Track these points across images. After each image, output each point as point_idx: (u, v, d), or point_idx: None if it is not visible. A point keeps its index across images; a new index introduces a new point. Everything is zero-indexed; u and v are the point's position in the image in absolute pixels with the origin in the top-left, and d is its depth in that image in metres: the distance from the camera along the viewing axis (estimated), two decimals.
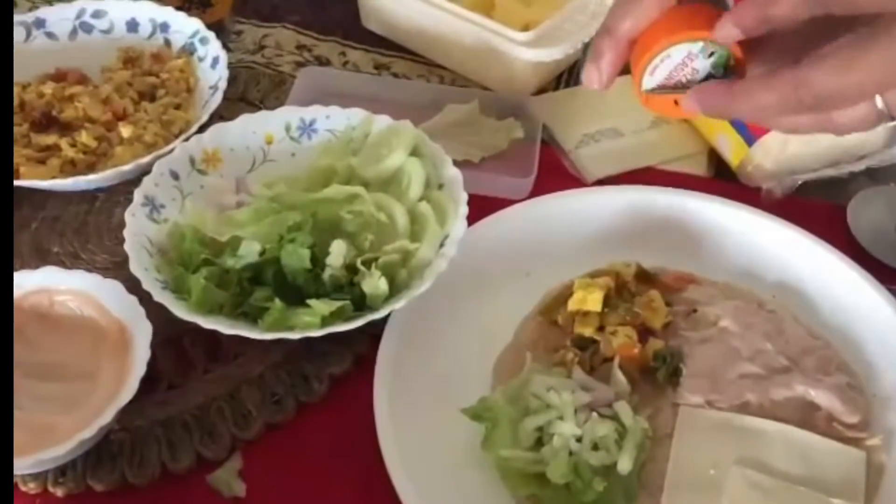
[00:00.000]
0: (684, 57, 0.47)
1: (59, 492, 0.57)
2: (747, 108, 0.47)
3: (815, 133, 0.48)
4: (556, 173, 0.78)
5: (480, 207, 0.69)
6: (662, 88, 0.49)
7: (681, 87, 0.48)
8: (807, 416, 0.60)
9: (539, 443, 0.57)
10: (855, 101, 0.45)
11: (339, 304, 0.59)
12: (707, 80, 0.48)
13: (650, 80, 0.48)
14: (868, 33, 0.43)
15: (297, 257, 0.61)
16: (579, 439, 0.56)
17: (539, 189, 0.75)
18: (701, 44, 0.47)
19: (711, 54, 0.47)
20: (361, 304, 0.61)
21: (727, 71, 0.48)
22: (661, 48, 0.47)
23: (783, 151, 0.74)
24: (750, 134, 0.75)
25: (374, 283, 0.60)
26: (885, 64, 0.43)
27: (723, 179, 0.79)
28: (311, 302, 0.59)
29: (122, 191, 0.72)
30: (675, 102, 0.49)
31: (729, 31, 0.45)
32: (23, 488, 0.57)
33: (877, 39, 0.43)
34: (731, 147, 0.77)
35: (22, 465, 0.54)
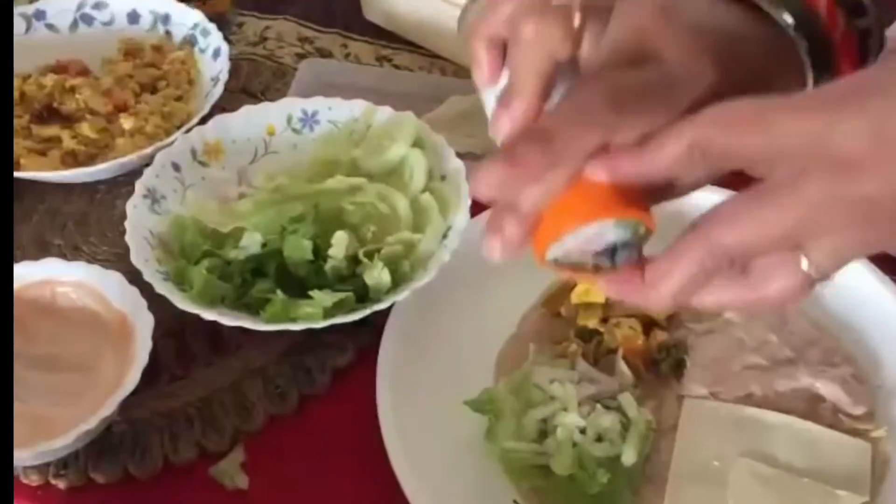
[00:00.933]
0: (594, 233, 0.43)
1: (61, 484, 0.56)
2: (663, 293, 0.40)
3: (746, 311, 0.42)
4: None
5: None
6: (566, 261, 0.43)
7: (584, 264, 0.43)
8: (811, 407, 0.60)
9: (543, 435, 0.57)
10: (769, 251, 0.38)
11: (341, 295, 0.59)
12: (616, 251, 0.42)
13: (554, 252, 0.43)
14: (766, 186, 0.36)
15: (299, 249, 0.61)
16: (583, 431, 0.56)
17: None
18: (613, 221, 0.43)
19: (636, 232, 0.43)
20: (364, 295, 0.61)
21: (639, 239, 0.43)
22: (571, 228, 0.41)
23: None
24: None
25: (377, 275, 0.60)
26: (791, 216, 0.36)
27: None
28: (314, 293, 0.59)
29: (124, 183, 0.72)
30: (583, 273, 0.43)
31: (597, 172, 0.39)
32: (24, 480, 0.57)
33: (776, 191, 0.36)
34: None
35: (23, 456, 0.53)
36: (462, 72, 0.87)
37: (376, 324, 0.62)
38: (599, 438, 0.56)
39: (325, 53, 0.89)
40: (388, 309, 0.61)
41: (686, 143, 0.38)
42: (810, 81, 0.44)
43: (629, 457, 0.55)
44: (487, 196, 0.40)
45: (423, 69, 0.87)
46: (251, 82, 0.83)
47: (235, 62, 0.80)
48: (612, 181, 0.39)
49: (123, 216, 0.64)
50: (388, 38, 0.90)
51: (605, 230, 0.42)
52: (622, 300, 0.45)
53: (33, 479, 0.57)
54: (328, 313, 0.58)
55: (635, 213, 0.42)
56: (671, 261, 0.40)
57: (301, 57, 0.87)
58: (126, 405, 0.58)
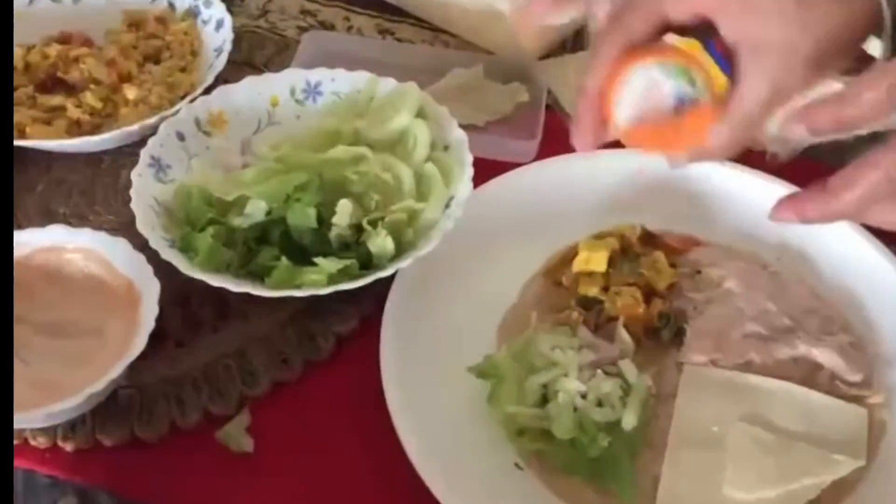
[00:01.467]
0: (646, 85, 0.45)
1: (69, 446, 0.57)
2: (844, 201, 0.46)
3: None
4: (561, 137, 0.77)
5: (485, 170, 0.69)
6: (639, 120, 0.45)
7: (660, 116, 0.45)
8: (810, 374, 0.61)
9: (544, 399, 0.58)
10: None
11: (345, 262, 0.59)
12: (682, 102, 0.45)
13: (621, 114, 0.46)
14: None
15: (303, 216, 0.62)
16: (584, 396, 0.57)
17: (544, 153, 0.75)
18: (654, 63, 0.44)
19: (691, 81, 0.45)
20: (368, 263, 0.61)
21: (704, 90, 0.45)
22: (616, 78, 0.44)
23: (787, 113, 0.74)
24: None
25: (381, 243, 0.61)
26: None
27: None
28: (318, 260, 0.59)
29: (128, 153, 0.72)
30: (658, 137, 0.46)
31: (799, 130, 0.46)
32: (32, 443, 0.57)
33: None
34: None
35: (31, 418, 0.54)
36: (464, 45, 0.87)
37: (379, 292, 0.62)
38: (600, 403, 0.57)
39: (327, 26, 0.89)
40: (392, 277, 0.62)
41: (885, 87, 0.43)
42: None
43: (629, 421, 0.56)
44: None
45: (426, 42, 0.88)
46: (254, 55, 0.84)
47: (238, 35, 0.80)
48: (814, 135, 0.46)
49: (128, 185, 0.64)
50: (391, 12, 0.90)
51: (655, 78, 0.43)
52: (799, 213, 0.49)
53: (41, 442, 0.57)
54: (332, 280, 0.59)
55: (673, 56, 0.43)
56: (857, 171, 0.45)
57: (303, 30, 0.87)
58: (133, 370, 0.59)
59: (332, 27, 0.89)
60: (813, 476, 0.55)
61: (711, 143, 0.49)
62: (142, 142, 0.68)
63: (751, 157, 0.75)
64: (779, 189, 0.70)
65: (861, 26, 0.49)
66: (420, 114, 0.69)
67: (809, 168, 0.75)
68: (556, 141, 0.76)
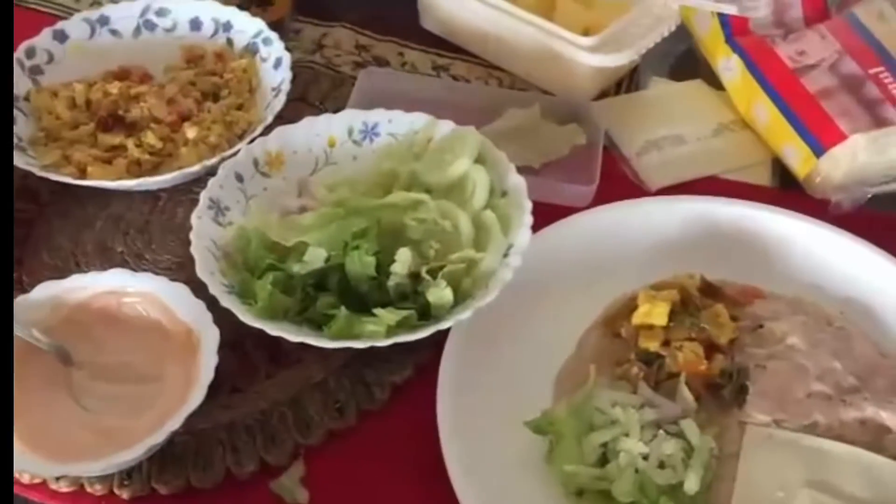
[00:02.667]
0: None
1: (125, 494, 0.57)
2: None
3: None
4: (617, 180, 0.78)
5: (542, 215, 0.68)
6: None
7: None
8: (877, 438, 0.59)
9: (603, 459, 0.57)
10: None
11: (404, 313, 0.59)
12: None
13: None
14: None
15: (361, 264, 0.61)
16: (645, 457, 0.56)
17: (601, 196, 0.74)
18: None
19: None
20: (426, 312, 0.61)
21: None
22: None
23: (853, 162, 0.73)
24: (819, 144, 0.74)
25: (440, 293, 0.60)
26: None
27: (788, 190, 0.77)
28: (377, 311, 0.59)
29: (185, 190, 0.73)
30: None
31: None
32: (89, 489, 0.57)
33: None
34: (798, 157, 0.76)
35: (92, 468, 0.54)
36: (519, 83, 0.86)
37: (435, 340, 0.62)
38: (662, 465, 0.56)
39: (381, 62, 0.89)
40: (448, 326, 0.61)
41: None
42: None
43: (692, 484, 0.55)
44: None
45: (480, 79, 0.87)
46: (309, 91, 0.84)
47: (293, 70, 0.80)
48: None
49: (184, 224, 0.64)
50: (445, 48, 0.90)
51: None
52: None
53: (97, 489, 0.57)
54: (391, 331, 0.59)
55: None
56: None
57: (358, 65, 0.87)
58: (189, 417, 0.59)
59: (386, 63, 0.88)
60: None
61: None
62: (198, 180, 0.68)
63: (814, 205, 0.74)
64: (841, 239, 0.69)
65: None
66: (479, 159, 0.68)
67: (874, 217, 0.73)
68: (612, 183, 0.76)
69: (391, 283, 0.61)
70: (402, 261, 0.61)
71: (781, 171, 0.79)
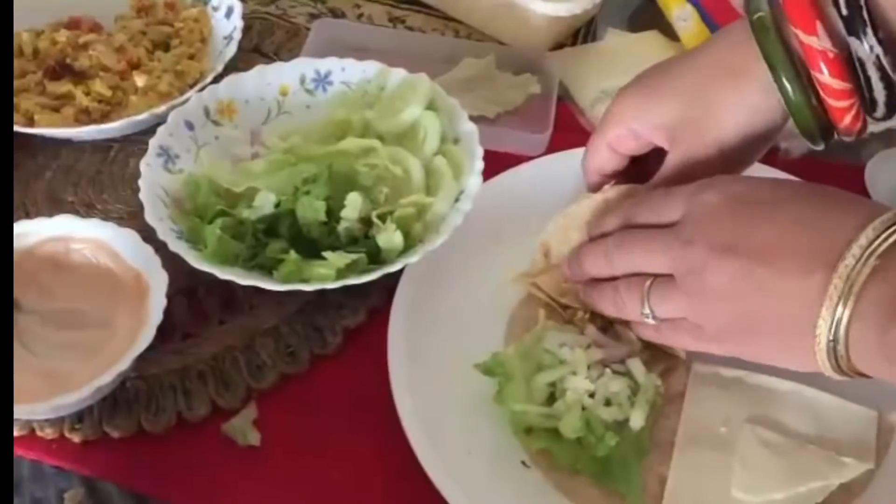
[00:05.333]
0: None
1: (76, 437, 0.57)
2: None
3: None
4: (571, 129, 0.78)
5: (496, 163, 0.68)
6: None
7: None
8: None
9: (552, 398, 0.58)
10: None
11: (354, 257, 0.59)
12: None
13: None
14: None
15: (312, 210, 0.61)
16: (592, 395, 0.57)
17: (555, 145, 0.74)
18: None
19: None
20: (376, 257, 0.61)
21: None
22: None
23: None
24: None
25: (390, 237, 0.60)
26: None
27: None
28: (327, 254, 0.59)
29: (137, 141, 0.72)
30: None
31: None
32: (39, 434, 0.57)
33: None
34: None
35: (38, 410, 0.54)
36: (475, 34, 0.86)
37: (387, 285, 0.62)
38: (608, 402, 0.57)
39: (337, 14, 0.88)
40: (400, 270, 0.61)
41: (602, 253, 0.56)
42: None
43: (637, 420, 0.56)
44: None
45: (437, 31, 0.87)
46: (263, 42, 0.83)
47: (248, 21, 0.79)
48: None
49: (136, 174, 0.64)
50: (402, 0, 0.89)
51: None
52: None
53: (48, 433, 0.57)
54: (341, 274, 0.59)
55: None
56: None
57: (313, 17, 0.87)
58: (140, 361, 0.59)
59: (342, 14, 0.88)
60: (821, 479, 0.54)
61: None
62: (150, 130, 0.67)
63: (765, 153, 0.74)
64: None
65: (763, 122, 0.55)
66: (431, 106, 0.68)
67: (822, 165, 0.74)
68: (567, 133, 0.76)
69: (341, 227, 0.61)
70: (353, 205, 0.61)
71: None
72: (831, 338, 0.45)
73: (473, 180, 0.64)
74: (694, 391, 0.59)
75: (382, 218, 0.61)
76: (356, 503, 0.56)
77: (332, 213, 0.62)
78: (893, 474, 0.56)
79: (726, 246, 0.47)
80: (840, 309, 0.44)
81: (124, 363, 0.54)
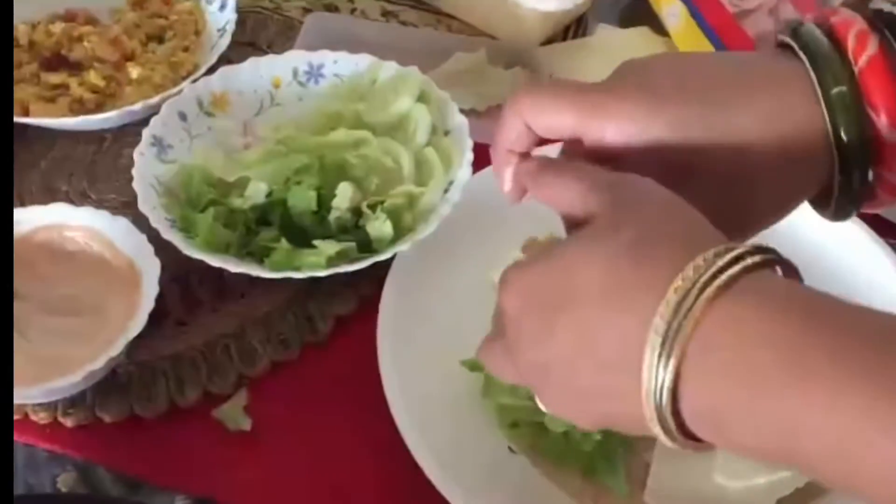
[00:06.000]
0: None
1: (69, 422, 0.58)
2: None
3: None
4: None
5: (486, 155, 0.69)
6: None
7: None
8: None
9: None
10: None
11: (344, 245, 0.60)
12: None
13: None
14: None
15: (303, 199, 0.62)
16: None
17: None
18: None
19: None
20: (367, 246, 0.62)
21: None
22: None
23: None
24: None
25: (380, 226, 0.61)
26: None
27: None
28: (317, 242, 0.60)
29: (131, 132, 0.73)
30: None
31: None
32: (33, 418, 0.58)
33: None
34: None
35: (32, 394, 0.55)
36: (467, 29, 0.87)
37: (378, 275, 0.63)
38: None
39: (331, 8, 0.89)
40: (390, 260, 0.62)
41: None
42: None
43: None
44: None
45: (429, 26, 0.88)
46: (257, 35, 0.84)
47: (242, 15, 0.80)
48: None
49: (130, 164, 0.65)
50: None
51: None
52: None
53: (42, 417, 0.58)
54: (331, 262, 0.60)
55: None
56: None
57: (307, 11, 0.87)
58: (133, 348, 0.60)
59: (335, 9, 0.89)
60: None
61: None
62: (144, 122, 0.68)
63: None
64: None
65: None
66: (421, 98, 0.69)
67: None
68: None
69: (332, 217, 0.62)
70: (343, 195, 0.62)
71: None
72: (657, 395, 0.33)
73: (463, 171, 0.64)
74: None
75: (373, 208, 0.62)
76: (345, 488, 0.57)
77: (323, 203, 0.63)
78: None
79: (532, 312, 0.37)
80: (664, 354, 0.32)
81: (116, 348, 0.55)
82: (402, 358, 0.59)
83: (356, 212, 0.63)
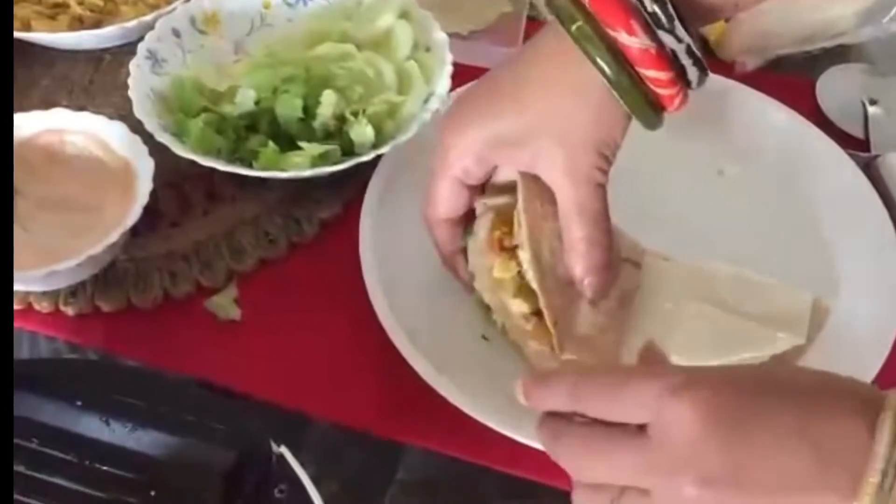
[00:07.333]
0: None
1: (70, 311, 0.62)
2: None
3: None
4: None
5: (467, 75, 0.72)
6: None
7: None
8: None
9: None
10: None
11: (328, 147, 0.64)
12: None
13: None
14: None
15: (290, 106, 0.66)
16: None
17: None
18: None
19: None
20: (350, 151, 0.65)
21: None
22: None
23: (756, 25, 0.78)
24: None
25: (362, 130, 0.65)
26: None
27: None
28: (302, 144, 0.63)
29: (128, 52, 0.75)
30: None
31: None
32: (36, 307, 0.62)
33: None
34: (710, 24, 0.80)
35: (33, 278, 0.58)
36: None
37: (363, 182, 0.66)
38: None
39: None
40: (373, 170, 0.66)
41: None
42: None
43: None
44: None
45: None
46: None
47: None
48: None
49: (126, 82, 0.68)
50: None
51: None
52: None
53: (44, 306, 0.62)
54: (314, 163, 0.63)
55: None
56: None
57: None
58: (130, 246, 0.64)
59: None
60: (754, 349, 0.58)
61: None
62: (141, 41, 0.71)
63: (722, 67, 0.78)
64: (743, 94, 0.74)
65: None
66: (404, 15, 0.72)
67: (775, 79, 0.78)
68: None
69: (317, 123, 0.66)
70: (328, 101, 0.65)
71: (700, 39, 0.83)
72: None
73: (443, 83, 0.68)
74: (647, 280, 0.63)
75: (355, 114, 0.65)
76: (328, 371, 0.60)
77: (309, 111, 0.66)
78: (822, 351, 0.60)
79: (721, 480, 0.37)
80: None
81: (114, 236, 0.58)
82: (382, 253, 0.63)
83: (340, 119, 0.66)
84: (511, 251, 0.58)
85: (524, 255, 0.56)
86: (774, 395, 0.38)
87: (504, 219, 0.58)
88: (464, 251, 0.60)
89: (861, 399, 0.37)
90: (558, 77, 0.53)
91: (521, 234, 0.56)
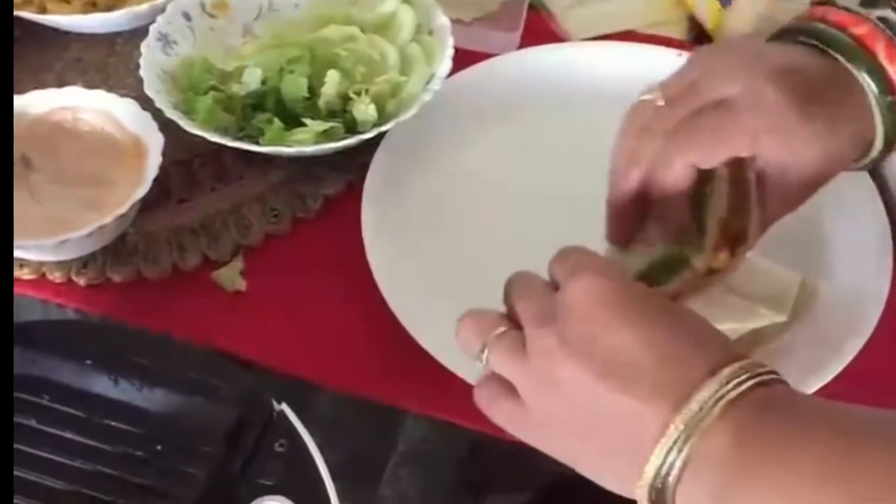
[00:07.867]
0: None
1: (82, 281, 0.64)
2: None
3: None
4: (544, 35, 0.83)
5: (468, 60, 0.74)
6: None
7: None
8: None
9: None
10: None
11: (331, 123, 0.66)
12: None
13: None
14: None
15: (295, 86, 0.68)
16: None
17: (525, 47, 0.80)
18: None
19: None
20: (353, 129, 0.67)
21: None
22: None
23: (753, 12, 0.79)
24: None
25: (365, 109, 0.67)
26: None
27: (701, 44, 0.83)
28: (307, 120, 0.65)
29: (140, 35, 0.77)
30: None
31: None
32: (49, 277, 0.64)
33: None
34: (708, 10, 0.82)
35: (46, 245, 0.60)
36: None
37: (365, 162, 0.68)
38: None
39: None
40: (376, 149, 0.68)
41: None
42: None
43: None
44: None
45: None
46: None
47: None
48: None
49: (138, 65, 0.70)
50: None
51: None
52: None
53: (57, 276, 0.64)
54: (318, 139, 0.65)
55: None
56: None
57: None
58: (140, 220, 0.66)
59: None
60: (733, 321, 0.59)
61: None
62: (153, 24, 0.74)
63: None
64: None
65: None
66: (407, 1, 0.74)
67: None
68: (539, 38, 0.81)
69: (321, 102, 0.68)
70: (332, 81, 0.67)
71: (698, 27, 0.85)
72: (658, 484, 0.39)
73: (444, 65, 0.70)
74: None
75: (358, 93, 0.68)
76: (331, 341, 0.62)
77: (314, 91, 0.68)
78: (804, 330, 0.62)
79: (574, 344, 0.42)
80: (673, 455, 0.39)
81: (125, 207, 0.61)
82: (384, 230, 0.65)
83: (344, 98, 0.68)
84: None
85: None
86: (661, 311, 0.43)
87: None
88: None
89: (723, 350, 0.42)
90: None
91: None
